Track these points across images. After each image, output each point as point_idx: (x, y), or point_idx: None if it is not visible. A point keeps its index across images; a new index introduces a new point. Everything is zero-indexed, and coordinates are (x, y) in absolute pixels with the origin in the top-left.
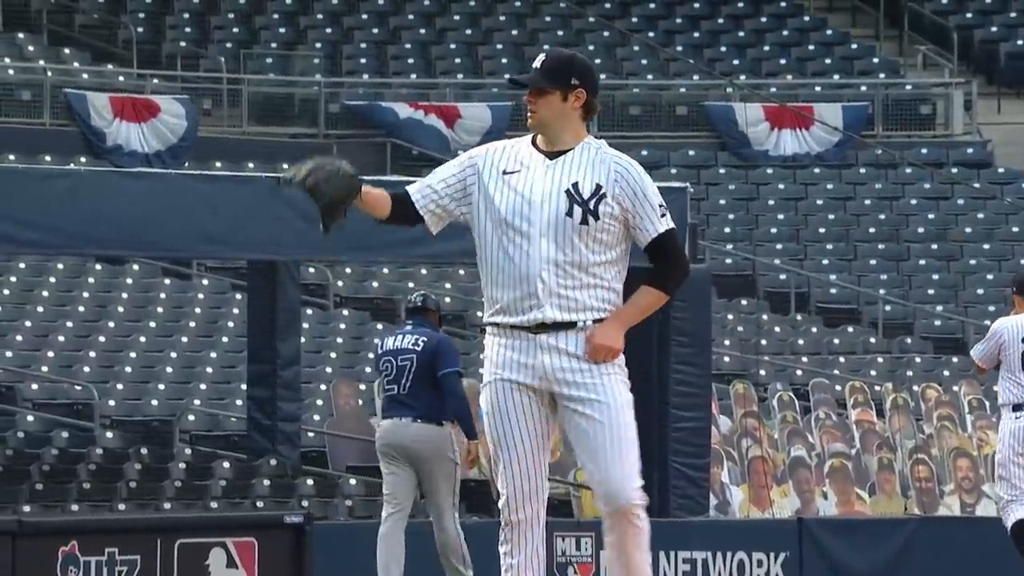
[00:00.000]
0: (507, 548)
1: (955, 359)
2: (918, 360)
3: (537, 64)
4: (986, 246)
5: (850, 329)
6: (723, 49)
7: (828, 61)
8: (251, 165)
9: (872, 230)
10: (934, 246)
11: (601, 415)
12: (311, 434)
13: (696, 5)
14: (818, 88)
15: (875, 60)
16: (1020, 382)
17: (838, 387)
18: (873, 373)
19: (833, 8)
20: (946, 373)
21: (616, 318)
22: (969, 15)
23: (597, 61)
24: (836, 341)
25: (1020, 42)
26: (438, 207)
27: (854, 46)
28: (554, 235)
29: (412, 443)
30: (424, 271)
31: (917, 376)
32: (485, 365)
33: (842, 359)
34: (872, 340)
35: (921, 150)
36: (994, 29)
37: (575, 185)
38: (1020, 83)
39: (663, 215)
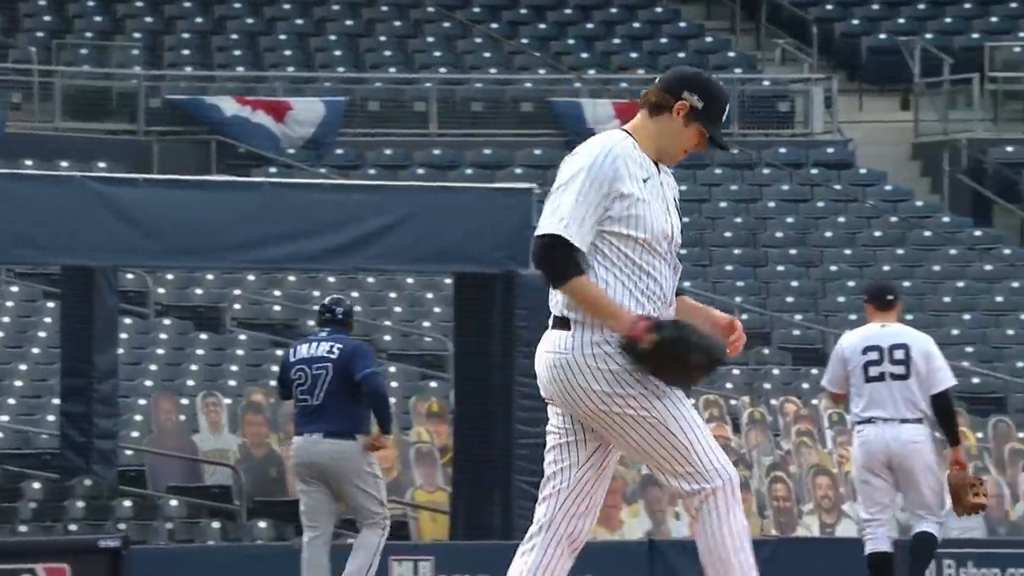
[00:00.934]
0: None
1: (815, 371)
2: (776, 372)
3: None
4: (847, 251)
5: None
6: (571, 42)
7: (682, 55)
8: (64, 163)
9: (728, 234)
10: (793, 251)
11: None
12: (129, 452)
13: None
14: None
15: (731, 54)
16: (863, 396)
17: (691, 400)
18: (729, 386)
19: None
20: (805, 386)
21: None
22: (829, 7)
23: (436, 54)
24: None
25: (883, 36)
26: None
27: (709, 39)
28: (673, 250)
29: (328, 461)
30: (251, 278)
31: (775, 389)
32: (638, 378)
33: None
34: None
35: (779, 150)
36: (855, 22)
37: (675, 199)
38: (883, 79)
39: None
